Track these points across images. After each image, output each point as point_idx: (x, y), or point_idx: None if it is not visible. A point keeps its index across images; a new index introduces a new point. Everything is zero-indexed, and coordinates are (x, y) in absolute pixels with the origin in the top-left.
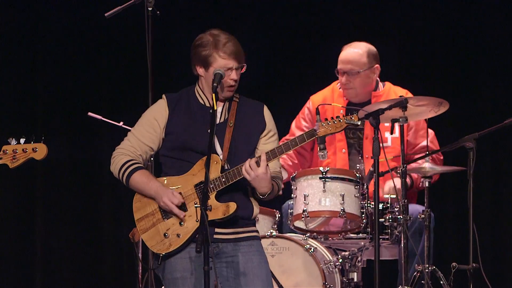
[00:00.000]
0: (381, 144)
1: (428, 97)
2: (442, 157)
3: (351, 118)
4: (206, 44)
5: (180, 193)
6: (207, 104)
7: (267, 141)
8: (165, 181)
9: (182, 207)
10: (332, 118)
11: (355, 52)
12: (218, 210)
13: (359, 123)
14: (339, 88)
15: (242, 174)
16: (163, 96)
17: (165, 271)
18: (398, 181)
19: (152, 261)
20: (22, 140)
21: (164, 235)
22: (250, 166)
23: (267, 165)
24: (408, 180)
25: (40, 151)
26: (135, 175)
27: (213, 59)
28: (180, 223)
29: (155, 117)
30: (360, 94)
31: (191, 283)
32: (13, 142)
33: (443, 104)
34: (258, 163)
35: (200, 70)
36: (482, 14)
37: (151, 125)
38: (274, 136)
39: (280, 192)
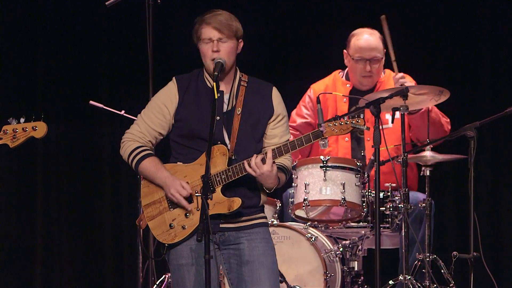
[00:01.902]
0: (381, 126)
1: (429, 85)
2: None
3: (357, 121)
4: (197, 20)
5: (187, 183)
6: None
7: (276, 126)
8: (172, 169)
9: (189, 198)
10: (339, 118)
11: (375, 38)
12: (224, 205)
13: (365, 127)
14: (342, 77)
15: (247, 170)
16: (174, 79)
17: (171, 257)
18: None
19: (152, 250)
20: (22, 120)
21: (170, 225)
22: (255, 164)
23: (274, 162)
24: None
25: (40, 129)
26: (144, 163)
27: (200, 32)
28: (185, 215)
29: (165, 103)
30: (375, 81)
31: (196, 270)
32: (13, 122)
33: (444, 93)
34: (263, 160)
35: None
36: (483, 2)
37: (161, 111)
38: (283, 119)
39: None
